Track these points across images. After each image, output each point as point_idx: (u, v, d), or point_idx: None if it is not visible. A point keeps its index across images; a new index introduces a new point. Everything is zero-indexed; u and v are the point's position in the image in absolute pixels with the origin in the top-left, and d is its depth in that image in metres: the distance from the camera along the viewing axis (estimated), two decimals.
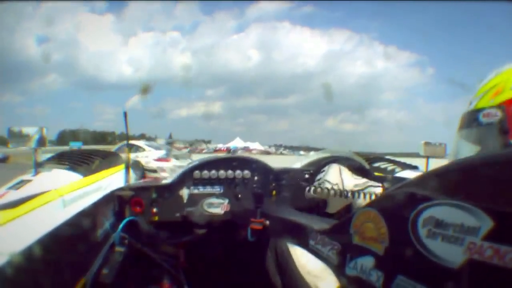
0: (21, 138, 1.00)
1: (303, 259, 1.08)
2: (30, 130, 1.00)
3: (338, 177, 1.30)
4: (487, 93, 0.78)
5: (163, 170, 6.93)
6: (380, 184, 1.26)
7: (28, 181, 0.94)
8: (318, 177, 1.39)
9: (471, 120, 0.78)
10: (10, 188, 0.89)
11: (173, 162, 7.66)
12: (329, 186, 1.28)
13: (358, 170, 1.41)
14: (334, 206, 1.28)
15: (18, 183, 0.92)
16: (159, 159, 7.73)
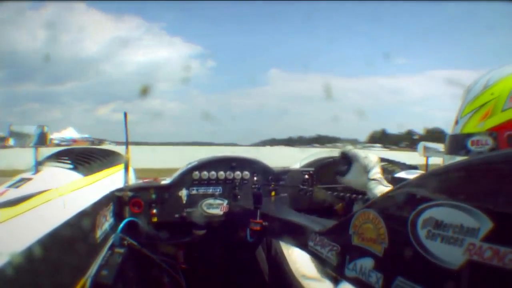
0: (22, 136, 1.00)
1: (298, 261, 1.07)
2: (31, 128, 1.00)
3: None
4: (476, 113, 0.71)
5: None
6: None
7: (28, 179, 0.94)
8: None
9: (459, 146, 0.72)
10: (10, 186, 0.89)
11: None
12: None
13: None
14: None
15: (18, 182, 0.92)
16: None
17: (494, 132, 0.67)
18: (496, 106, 0.67)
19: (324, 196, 1.37)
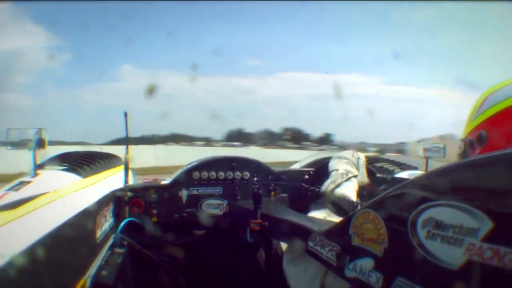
0: (21, 140, 1.00)
1: (298, 260, 1.08)
2: (29, 132, 1.00)
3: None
4: (465, 124, 0.85)
5: None
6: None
7: (28, 182, 0.94)
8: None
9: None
10: (10, 189, 0.89)
11: None
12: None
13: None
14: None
15: (17, 185, 0.92)
16: None
17: (464, 138, 0.82)
18: (471, 117, 0.80)
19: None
